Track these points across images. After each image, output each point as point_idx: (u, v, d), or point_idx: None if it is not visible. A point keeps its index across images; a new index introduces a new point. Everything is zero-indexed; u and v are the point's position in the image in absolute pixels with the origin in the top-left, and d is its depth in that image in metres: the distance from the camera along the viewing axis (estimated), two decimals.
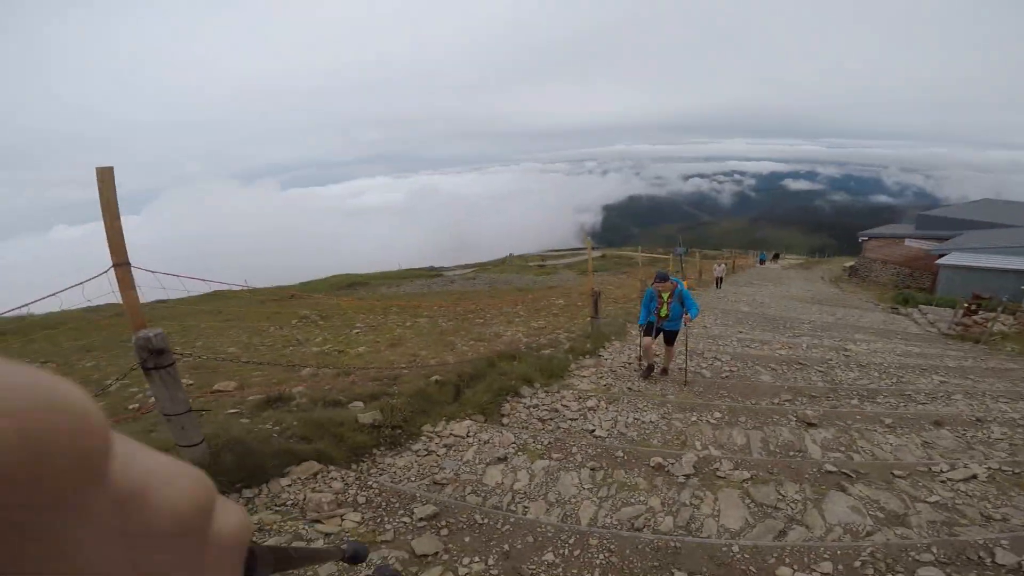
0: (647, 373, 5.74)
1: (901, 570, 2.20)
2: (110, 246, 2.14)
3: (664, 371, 5.82)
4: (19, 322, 12.08)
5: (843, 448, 3.85)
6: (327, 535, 2.58)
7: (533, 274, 35.04)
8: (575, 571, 2.28)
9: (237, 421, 3.83)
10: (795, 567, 2.23)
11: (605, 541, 2.44)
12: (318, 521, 2.71)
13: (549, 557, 2.37)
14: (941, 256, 21.18)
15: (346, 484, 3.07)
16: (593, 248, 9.18)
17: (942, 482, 3.11)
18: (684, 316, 5.23)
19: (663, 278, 5.24)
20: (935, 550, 2.29)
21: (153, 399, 2.60)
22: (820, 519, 2.79)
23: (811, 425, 4.15)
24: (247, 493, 2.92)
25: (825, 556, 2.28)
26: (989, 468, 3.22)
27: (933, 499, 2.93)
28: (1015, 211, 28.26)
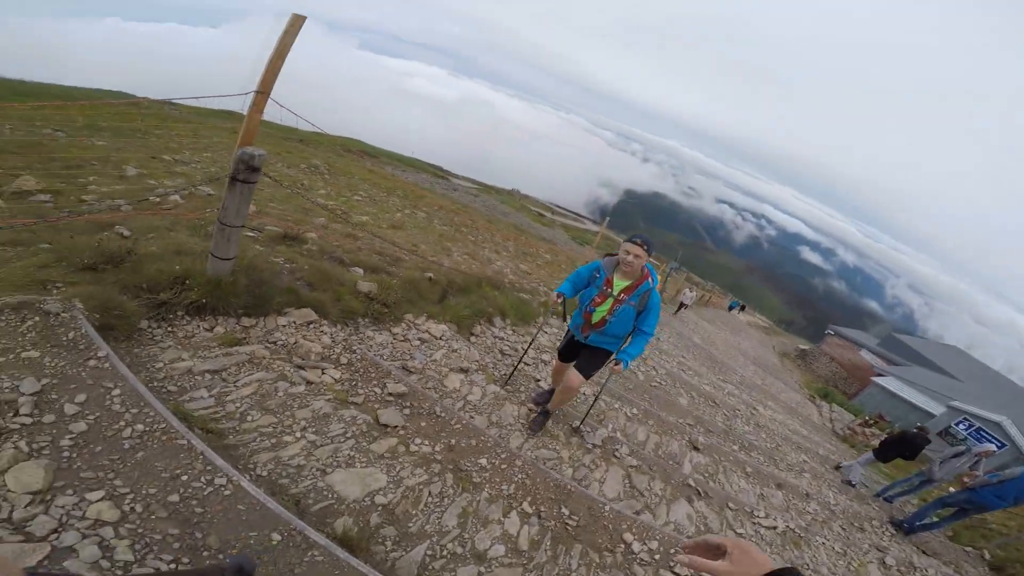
0: (540, 401, 4.05)
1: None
2: (265, 78, 2.50)
3: (545, 414, 3.84)
4: (39, 88, 11.69)
5: (707, 474, 4.73)
6: (308, 383, 2.99)
7: (531, 218, 35.27)
8: (498, 480, 2.91)
9: (253, 247, 4.11)
10: (636, 537, 2.98)
11: (527, 466, 3.08)
12: (303, 368, 3.09)
13: (483, 461, 2.98)
14: (879, 375, 22.87)
15: (334, 341, 3.51)
16: (602, 228, 9.64)
17: (753, 522, 4.06)
18: (623, 344, 3.27)
19: (645, 245, 2.95)
20: None
21: (222, 206, 2.94)
22: (665, 514, 3.63)
23: (696, 449, 5.04)
24: (246, 322, 3.25)
25: (656, 538, 3.04)
26: (787, 526, 4.20)
27: (740, 531, 3.87)
28: (973, 369, 30.23)
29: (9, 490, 1.67)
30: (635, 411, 5.13)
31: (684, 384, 7.66)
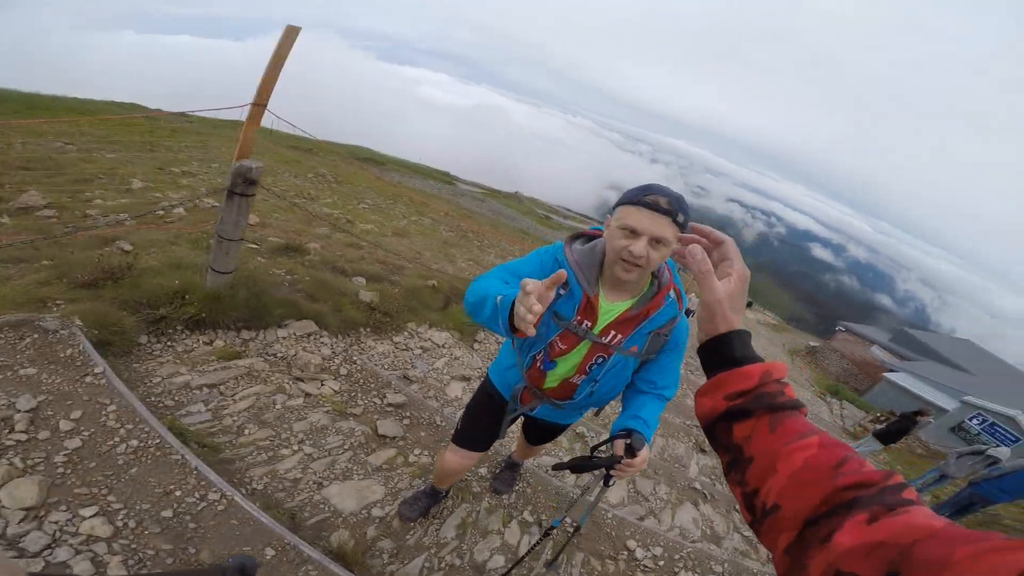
0: (411, 515, 2.34)
1: (700, 571, 2.95)
2: (261, 89, 2.50)
3: (513, 466, 2.85)
4: (53, 100, 11.88)
5: (714, 476, 4.66)
6: (307, 395, 2.97)
7: (536, 221, 35.31)
8: (497, 487, 2.85)
9: (255, 258, 4.13)
10: (639, 543, 2.93)
11: (528, 474, 3.04)
12: (301, 380, 3.08)
13: (483, 471, 2.94)
14: (891, 371, 22.55)
15: (334, 352, 3.49)
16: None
17: None
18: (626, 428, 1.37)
19: (676, 210, 1.16)
20: (726, 566, 3.06)
21: (220, 220, 2.95)
22: (670, 519, 3.56)
23: (702, 451, 4.97)
24: (245, 335, 3.25)
25: (660, 544, 2.99)
26: None
27: (748, 533, 3.77)
28: (987, 363, 29.83)
29: (3, 506, 1.68)
30: None
31: (692, 385, 7.56)
